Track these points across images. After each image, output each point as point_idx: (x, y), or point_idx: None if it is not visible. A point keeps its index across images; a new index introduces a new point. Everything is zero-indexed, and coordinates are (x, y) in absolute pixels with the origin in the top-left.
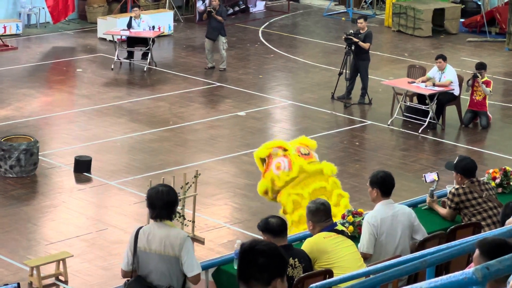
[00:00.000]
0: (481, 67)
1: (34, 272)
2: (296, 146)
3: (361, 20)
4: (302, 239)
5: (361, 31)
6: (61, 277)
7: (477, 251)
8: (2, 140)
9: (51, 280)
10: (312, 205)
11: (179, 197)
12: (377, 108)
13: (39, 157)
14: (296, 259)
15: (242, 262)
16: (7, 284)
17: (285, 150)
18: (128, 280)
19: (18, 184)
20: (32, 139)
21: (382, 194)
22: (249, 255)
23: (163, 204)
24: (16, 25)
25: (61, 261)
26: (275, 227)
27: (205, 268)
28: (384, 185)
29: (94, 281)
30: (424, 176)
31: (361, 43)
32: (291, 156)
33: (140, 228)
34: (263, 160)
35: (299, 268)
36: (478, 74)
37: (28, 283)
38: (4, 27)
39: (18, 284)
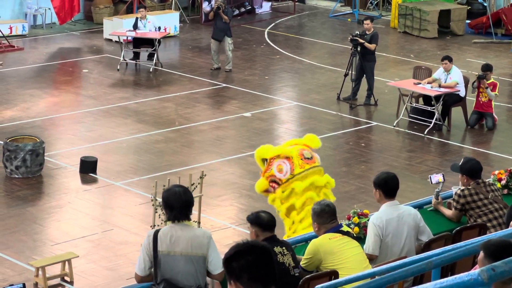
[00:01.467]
0: (487, 68)
1: (40, 272)
2: (299, 149)
3: (368, 21)
4: (307, 240)
5: (367, 32)
6: (66, 278)
7: (481, 253)
8: (8, 140)
9: (57, 281)
10: (317, 206)
11: None
12: (383, 109)
13: (45, 157)
14: (284, 247)
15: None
16: (12, 285)
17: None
18: (153, 285)
19: (24, 184)
20: (38, 140)
21: (385, 195)
22: (268, 256)
23: (181, 204)
24: (22, 25)
25: (66, 262)
26: (265, 221)
27: None
28: (386, 187)
29: (99, 281)
30: (430, 177)
31: (367, 44)
32: (295, 159)
33: (157, 231)
34: (264, 160)
35: (288, 255)
36: (484, 75)
37: (33, 283)
38: (10, 28)
39: (24, 284)
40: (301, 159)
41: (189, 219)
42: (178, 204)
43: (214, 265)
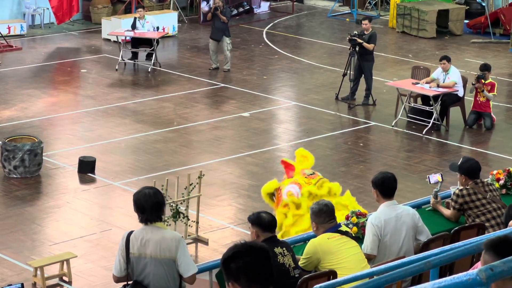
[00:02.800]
0: (485, 68)
1: (38, 272)
2: (300, 171)
3: (366, 21)
4: (306, 240)
5: (366, 32)
6: (65, 278)
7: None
8: (6, 140)
9: (55, 281)
10: (315, 206)
11: (183, 198)
12: (381, 109)
13: (43, 157)
14: (284, 248)
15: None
16: (11, 285)
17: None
18: (125, 286)
19: (22, 184)
20: (36, 140)
21: (383, 195)
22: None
23: (152, 206)
24: (21, 25)
25: (65, 262)
26: (266, 222)
27: (209, 268)
28: (383, 186)
29: (97, 281)
30: (428, 177)
31: (365, 44)
32: (300, 180)
33: (130, 233)
34: (271, 195)
35: (288, 256)
36: (483, 75)
37: (32, 283)
38: (9, 28)
39: (22, 284)
40: (305, 177)
41: (160, 220)
42: (149, 206)
43: (183, 268)
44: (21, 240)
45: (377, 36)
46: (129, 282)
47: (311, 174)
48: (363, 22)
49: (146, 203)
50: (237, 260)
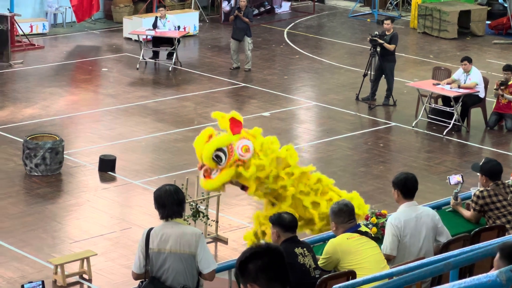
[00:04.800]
0: (508, 68)
1: (59, 270)
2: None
3: (388, 22)
4: (325, 239)
5: (387, 33)
6: (85, 276)
7: (497, 254)
8: (28, 138)
9: (75, 279)
10: (335, 206)
11: (203, 197)
12: (401, 109)
13: (64, 155)
14: (304, 248)
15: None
16: (32, 282)
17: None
18: (142, 282)
19: (43, 182)
20: (58, 138)
21: (404, 196)
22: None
23: (173, 202)
24: (43, 24)
25: (85, 260)
26: (286, 222)
27: (229, 268)
28: (405, 187)
29: (117, 279)
30: (449, 178)
31: (386, 45)
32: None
33: (150, 229)
34: (217, 153)
35: (309, 257)
36: (507, 82)
37: (52, 281)
38: (31, 26)
39: (43, 282)
40: (248, 134)
41: (181, 217)
42: (169, 202)
43: (203, 264)
44: (41, 238)
45: (398, 36)
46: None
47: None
48: (385, 22)
49: (167, 199)
50: (255, 260)
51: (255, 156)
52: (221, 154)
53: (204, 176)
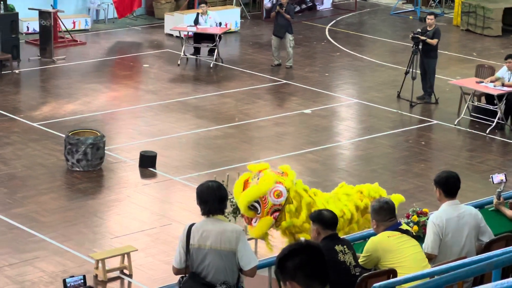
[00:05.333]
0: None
1: (100, 265)
2: (270, 170)
3: (431, 17)
4: (366, 237)
5: (429, 28)
6: (125, 271)
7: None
8: (69, 134)
9: (116, 273)
10: (376, 203)
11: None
12: (443, 107)
13: (105, 151)
14: (344, 246)
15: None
16: (73, 276)
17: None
18: (182, 278)
19: (84, 178)
20: (99, 134)
21: (446, 194)
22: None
23: (215, 198)
24: (85, 20)
25: (125, 255)
26: (327, 219)
27: (269, 265)
28: (447, 186)
29: (157, 275)
30: (492, 177)
31: (429, 40)
32: (279, 179)
33: (192, 225)
34: (252, 205)
35: (349, 254)
36: None
37: (93, 275)
38: (74, 22)
39: (84, 276)
40: (280, 175)
41: (223, 214)
42: (212, 198)
43: (244, 260)
44: (83, 233)
45: (441, 33)
46: (187, 274)
47: (282, 173)
48: (428, 17)
49: (209, 195)
50: (293, 258)
51: (287, 201)
52: (256, 204)
53: (246, 223)
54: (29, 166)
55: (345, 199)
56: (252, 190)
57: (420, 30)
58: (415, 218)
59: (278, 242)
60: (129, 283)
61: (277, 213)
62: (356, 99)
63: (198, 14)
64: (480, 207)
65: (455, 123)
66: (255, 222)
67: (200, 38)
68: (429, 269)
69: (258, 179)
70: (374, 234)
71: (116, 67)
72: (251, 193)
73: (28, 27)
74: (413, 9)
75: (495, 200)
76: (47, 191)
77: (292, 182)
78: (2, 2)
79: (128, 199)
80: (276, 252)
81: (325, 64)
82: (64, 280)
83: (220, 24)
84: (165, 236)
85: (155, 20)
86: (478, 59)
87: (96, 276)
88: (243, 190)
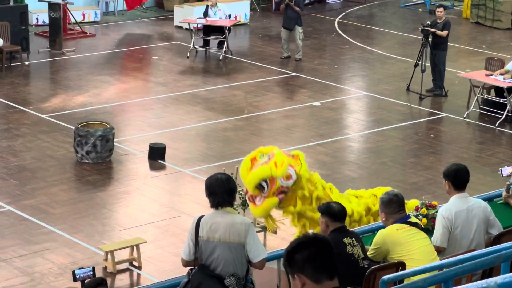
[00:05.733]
0: None
1: (109, 256)
2: (282, 152)
3: (441, 9)
4: (375, 230)
5: (439, 21)
6: (134, 263)
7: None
8: (79, 126)
9: (125, 265)
10: (385, 196)
11: None
12: (453, 100)
13: (115, 143)
14: (353, 238)
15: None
16: (82, 268)
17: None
18: (191, 270)
19: (94, 170)
20: (108, 126)
21: (455, 187)
22: (329, 248)
23: (224, 191)
24: (95, 12)
25: (135, 247)
26: (335, 211)
27: (278, 257)
28: (456, 178)
29: (166, 267)
30: (501, 170)
31: (438, 32)
32: (291, 161)
33: (201, 217)
34: (260, 184)
35: (357, 247)
36: None
37: (102, 267)
38: (83, 14)
39: (93, 268)
40: (291, 157)
41: (232, 206)
42: (221, 190)
43: (253, 253)
44: (92, 225)
45: (451, 26)
46: (196, 266)
47: (293, 156)
48: (437, 9)
49: (218, 188)
50: (302, 251)
51: (298, 190)
52: (263, 183)
53: (250, 201)
54: (39, 158)
55: (356, 201)
56: (263, 170)
57: (430, 23)
58: (424, 211)
59: (287, 234)
60: (138, 275)
61: (282, 195)
62: (366, 91)
63: (207, 6)
64: (489, 200)
65: (465, 116)
66: (259, 201)
67: (209, 30)
68: (438, 262)
69: (269, 158)
70: (383, 227)
71: (125, 59)
72: (261, 173)
73: (37, 19)
74: (423, 1)
75: (504, 193)
76: (56, 183)
77: (307, 171)
78: None
79: (137, 191)
80: (286, 245)
81: (334, 57)
82: (74, 272)
83: (230, 16)
84: (174, 228)
85: (164, 12)
86: (488, 51)
87: (105, 268)
88: (251, 168)
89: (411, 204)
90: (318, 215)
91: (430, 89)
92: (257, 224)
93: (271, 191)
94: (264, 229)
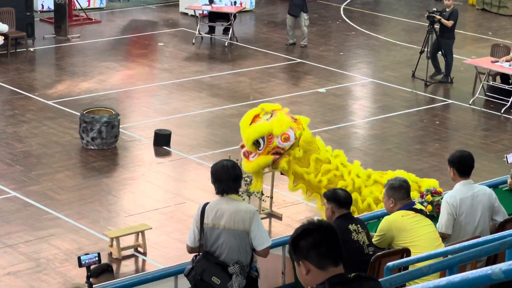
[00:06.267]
0: None
1: (114, 243)
2: (286, 112)
3: None
4: (379, 217)
5: (447, 9)
6: (140, 249)
7: None
8: (84, 112)
9: (130, 251)
10: (395, 182)
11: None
12: (458, 87)
13: (120, 129)
14: (358, 225)
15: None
16: (88, 254)
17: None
18: (195, 256)
19: (99, 156)
20: (114, 112)
21: (460, 174)
22: (334, 234)
23: (229, 177)
24: None
25: (140, 233)
26: (341, 198)
27: (283, 244)
28: (460, 165)
29: (171, 253)
30: (506, 156)
31: (443, 21)
32: (292, 124)
33: (206, 204)
34: (257, 140)
35: (362, 233)
36: None
37: (108, 253)
38: (88, 1)
39: (99, 254)
40: (293, 121)
41: (237, 193)
42: (226, 177)
43: (257, 241)
44: (97, 211)
45: (458, 15)
46: (200, 253)
47: (295, 119)
48: None
49: (223, 174)
50: (306, 237)
51: (295, 148)
52: (260, 140)
53: (244, 156)
54: (44, 144)
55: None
56: (264, 126)
57: (436, 9)
58: (429, 197)
59: (292, 221)
60: (143, 261)
61: (277, 156)
62: (371, 78)
63: None
64: (494, 186)
65: (470, 102)
66: (253, 156)
67: (215, 17)
68: (442, 248)
69: (271, 116)
70: (387, 214)
71: (131, 45)
72: (261, 129)
73: (43, 5)
74: None
75: (509, 180)
76: (62, 169)
77: (310, 135)
78: None
79: (143, 177)
80: (291, 231)
81: (340, 43)
82: (79, 258)
83: (235, 3)
84: (179, 214)
85: None
86: (494, 38)
87: (110, 254)
88: (251, 123)
89: (427, 183)
90: (315, 179)
91: (433, 74)
92: (262, 210)
93: (267, 149)
94: (269, 215)
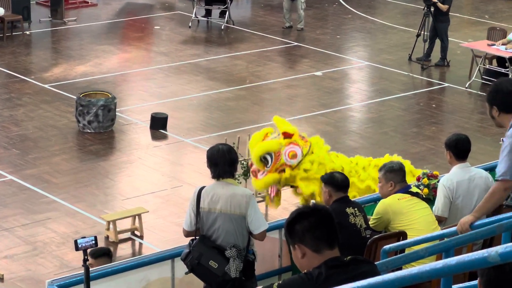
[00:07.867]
0: None
1: (111, 226)
2: (295, 129)
3: None
4: (376, 200)
5: None
6: (136, 232)
7: None
8: (81, 95)
9: (127, 235)
10: (395, 165)
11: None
12: (455, 70)
13: (117, 113)
14: (355, 208)
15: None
16: (84, 237)
17: (288, 137)
18: (192, 241)
19: (96, 139)
20: (110, 95)
21: (456, 157)
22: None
23: (225, 161)
24: None
25: (136, 217)
26: (338, 181)
27: (279, 227)
28: (457, 148)
29: (168, 237)
30: (502, 140)
31: (439, 5)
32: (298, 141)
33: (202, 188)
34: (264, 157)
35: (359, 217)
36: None
37: (104, 236)
38: None
39: (95, 237)
40: (301, 139)
41: (233, 177)
42: (222, 161)
43: (254, 224)
44: (94, 194)
45: None
46: (197, 237)
47: (303, 137)
48: None
49: (219, 158)
50: (302, 221)
51: (306, 163)
52: (268, 157)
53: (253, 175)
54: (41, 127)
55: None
56: (271, 142)
57: None
58: (425, 180)
59: (289, 204)
60: (140, 244)
61: (282, 173)
62: (368, 61)
63: None
64: (490, 170)
65: (466, 86)
66: (261, 174)
67: (211, 0)
68: (439, 231)
69: (279, 135)
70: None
71: (127, 28)
72: (269, 144)
73: None
74: None
75: None
76: (58, 153)
77: (319, 156)
78: None
79: (139, 161)
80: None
81: (336, 26)
82: (76, 241)
83: None
84: (176, 198)
85: None
86: (490, 21)
87: (107, 237)
88: (261, 140)
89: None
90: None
91: (420, 57)
92: (259, 194)
93: (274, 166)
94: (265, 199)
